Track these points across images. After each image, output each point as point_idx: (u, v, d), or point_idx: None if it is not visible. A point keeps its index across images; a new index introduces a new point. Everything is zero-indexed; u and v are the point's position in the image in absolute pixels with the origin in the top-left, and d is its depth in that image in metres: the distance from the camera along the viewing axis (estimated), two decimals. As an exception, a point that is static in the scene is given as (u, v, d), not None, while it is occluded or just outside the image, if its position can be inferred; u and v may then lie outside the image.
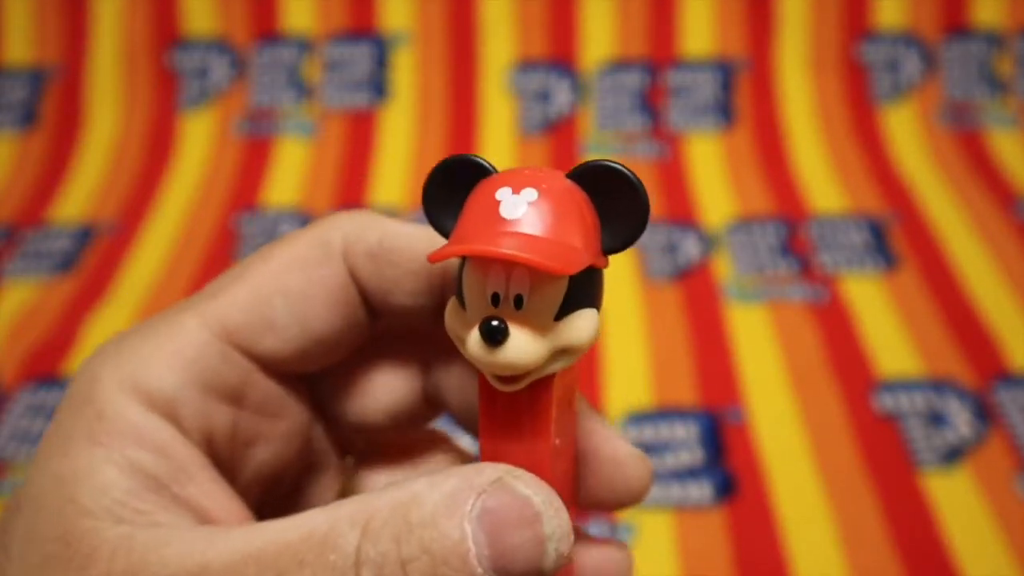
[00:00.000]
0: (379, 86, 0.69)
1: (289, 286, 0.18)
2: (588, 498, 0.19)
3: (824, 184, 0.61)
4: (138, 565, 0.15)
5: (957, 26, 0.68)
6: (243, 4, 0.70)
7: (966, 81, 0.67)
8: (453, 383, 0.20)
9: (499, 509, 0.15)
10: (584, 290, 0.16)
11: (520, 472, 0.15)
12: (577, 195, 0.16)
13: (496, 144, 0.65)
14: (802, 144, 0.64)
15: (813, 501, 0.41)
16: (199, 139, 0.67)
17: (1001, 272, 0.53)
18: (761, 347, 0.49)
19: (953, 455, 0.43)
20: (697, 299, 0.52)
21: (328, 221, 0.19)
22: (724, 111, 0.67)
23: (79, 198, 0.62)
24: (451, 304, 0.16)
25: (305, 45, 0.69)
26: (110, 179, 0.64)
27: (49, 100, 0.68)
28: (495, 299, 0.15)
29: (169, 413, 0.17)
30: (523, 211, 0.15)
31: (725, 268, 0.54)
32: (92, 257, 0.57)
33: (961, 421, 0.44)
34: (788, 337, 0.49)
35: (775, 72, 0.68)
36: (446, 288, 0.19)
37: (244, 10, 0.70)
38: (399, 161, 0.64)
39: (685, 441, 0.44)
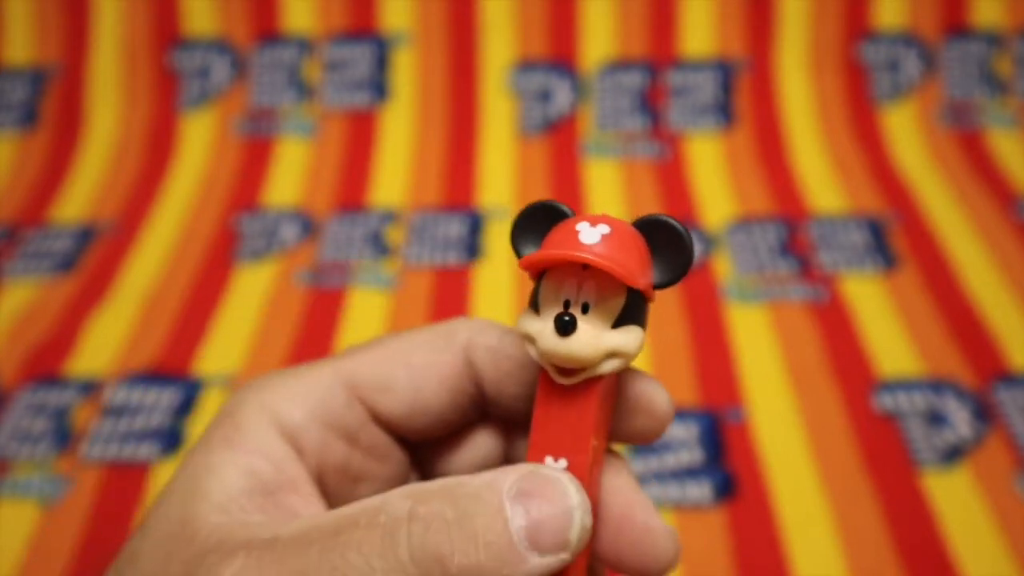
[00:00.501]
0: (379, 86, 0.69)
1: (413, 361, 0.21)
2: (612, 559, 0.21)
3: (824, 184, 0.61)
4: (226, 536, 0.17)
5: (957, 26, 0.68)
6: (243, 4, 0.70)
7: (966, 81, 0.67)
8: (525, 451, 0.24)
9: (532, 488, 0.18)
10: (636, 310, 0.19)
11: (547, 468, 0.18)
12: (639, 237, 0.19)
13: (496, 144, 0.66)
14: (802, 144, 0.65)
15: (813, 501, 0.41)
16: (199, 139, 0.67)
17: (1001, 272, 0.53)
18: (761, 347, 0.49)
19: (953, 455, 0.43)
20: (697, 299, 0.52)
21: (458, 320, 0.22)
22: (724, 111, 0.67)
23: (80, 198, 0.62)
24: (524, 313, 0.20)
25: (305, 45, 0.70)
26: (111, 179, 0.64)
27: (50, 100, 0.68)
28: (566, 305, 0.19)
29: (292, 439, 0.20)
30: (598, 239, 0.19)
31: (725, 268, 0.54)
32: (93, 257, 0.57)
33: (961, 421, 0.44)
34: (788, 337, 0.49)
35: (775, 72, 0.68)
36: None
37: (244, 10, 0.70)
38: (399, 161, 0.65)
39: (685, 441, 0.44)
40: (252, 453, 0.19)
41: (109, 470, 0.43)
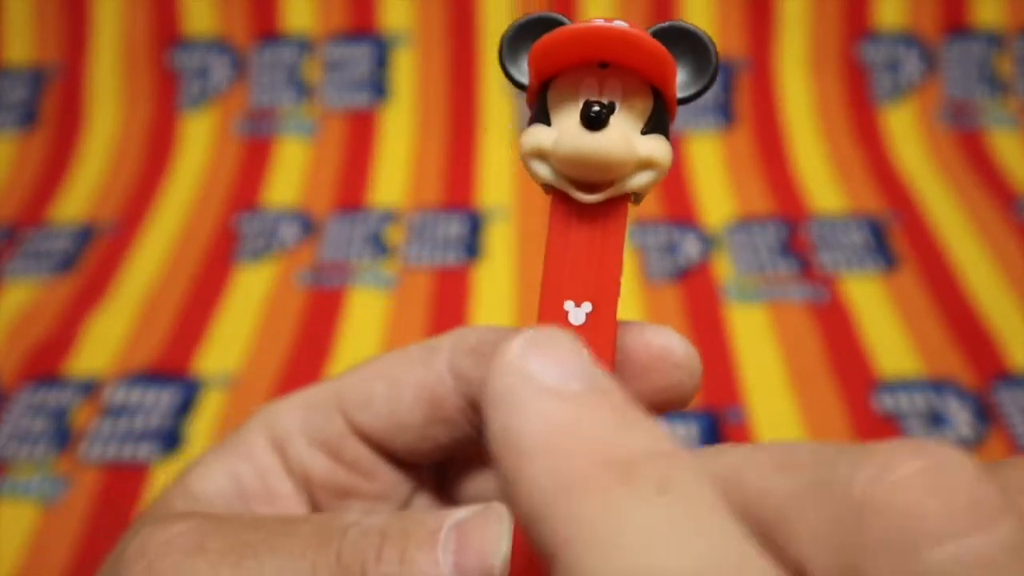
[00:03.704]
0: (379, 86, 0.69)
1: (392, 375, 0.20)
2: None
3: (824, 184, 0.61)
4: (194, 512, 0.18)
5: (957, 26, 0.68)
6: (243, 4, 0.70)
7: (966, 81, 0.67)
8: None
9: (475, 524, 0.17)
10: (663, 118, 0.16)
11: (492, 508, 0.17)
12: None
13: (496, 144, 0.66)
14: (802, 144, 0.64)
15: (813, 501, 0.41)
16: (199, 139, 0.67)
17: (1001, 272, 0.53)
18: (761, 347, 0.49)
19: (953, 455, 0.43)
20: (697, 299, 0.52)
21: (446, 333, 0.21)
22: (724, 111, 0.67)
23: (79, 198, 0.62)
24: (528, 129, 0.16)
25: (305, 45, 0.70)
26: (110, 179, 0.64)
27: (49, 100, 0.68)
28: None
29: (280, 449, 0.20)
30: (620, 25, 0.16)
31: (725, 268, 0.54)
32: (92, 257, 0.57)
33: (961, 421, 0.44)
34: (788, 337, 0.49)
35: (775, 72, 0.68)
36: None
37: (244, 10, 0.70)
38: (399, 161, 0.65)
39: (685, 441, 0.44)
40: (240, 458, 0.20)
41: (108, 470, 0.43)
